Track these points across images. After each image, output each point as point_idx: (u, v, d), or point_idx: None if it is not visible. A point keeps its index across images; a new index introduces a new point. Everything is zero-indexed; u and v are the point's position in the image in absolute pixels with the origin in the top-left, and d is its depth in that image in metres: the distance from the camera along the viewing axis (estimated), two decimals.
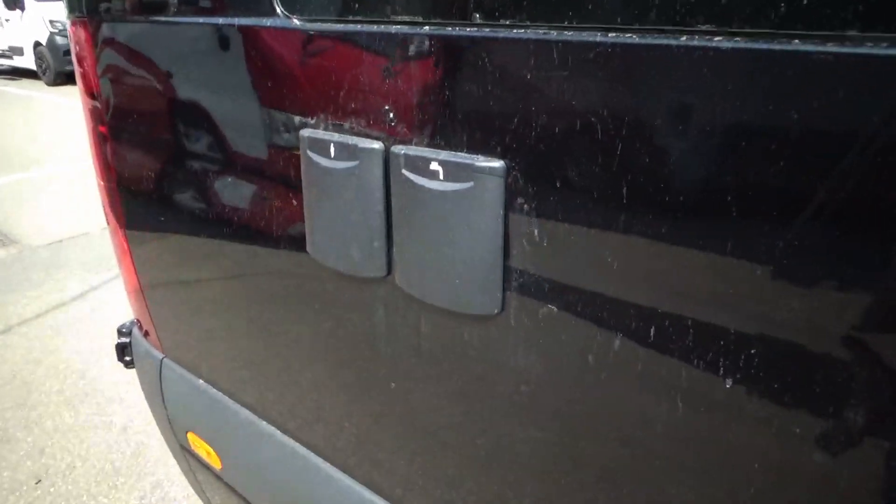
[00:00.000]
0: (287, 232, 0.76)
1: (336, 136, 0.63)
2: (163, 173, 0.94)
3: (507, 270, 0.55)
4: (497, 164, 0.52)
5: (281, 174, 0.73)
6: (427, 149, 0.57)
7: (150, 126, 0.92)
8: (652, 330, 0.48)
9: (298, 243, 0.73)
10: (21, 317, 2.91)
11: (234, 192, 0.82)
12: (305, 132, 0.66)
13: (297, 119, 0.68)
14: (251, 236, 0.82)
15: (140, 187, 0.99)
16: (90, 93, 1.02)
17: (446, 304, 0.59)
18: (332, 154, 0.64)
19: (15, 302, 3.04)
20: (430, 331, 0.63)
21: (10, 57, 10.76)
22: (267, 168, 0.75)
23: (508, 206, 0.53)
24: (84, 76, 1.01)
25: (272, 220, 0.77)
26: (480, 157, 0.53)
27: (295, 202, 0.72)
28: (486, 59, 0.50)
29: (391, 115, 0.59)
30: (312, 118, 0.66)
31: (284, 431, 0.90)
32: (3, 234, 3.89)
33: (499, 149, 0.52)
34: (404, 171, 0.58)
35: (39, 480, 1.94)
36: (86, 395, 2.35)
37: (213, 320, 0.97)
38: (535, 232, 0.52)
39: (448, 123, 0.55)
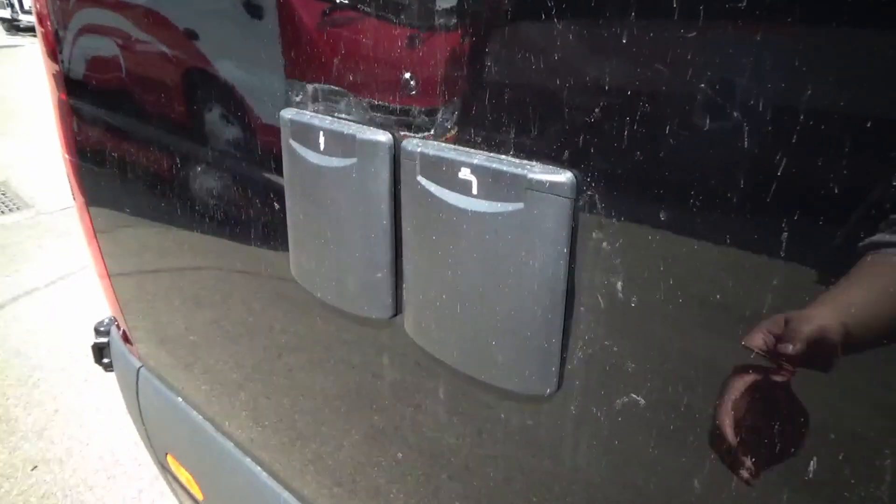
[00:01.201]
0: (270, 242, 0.58)
1: (327, 121, 0.45)
2: (130, 149, 0.77)
3: (569, 335, 0.37)
4: (563, 177, 0.33)
5: (261, 165, 0.55)
6: (454, 147, 0.38)
7: (117, 94, 0.75)
8: (812, 463, 0.29)
9: (282, 259, 0.56)
10: (30, 286, 2.81)
11: (209, 182, 0.64)
12: (287, 112, 0.48)
13: (277, 93, 0.49)
14: (230, 240, 0.64)
15: (106, 163, 0.82)
16: (52, 55, 0.85)
17: (476, 371, 0.41)
18: (322, 146, 0.45)
19: (25, 270, 2.94)
20: (452, 402, 0.45)
21: None
22: (242, 154, 0.57)
23: (578, 241, 0.34)
24: (45, 36, 0.85)
25: (254, 225, 0.59)
26: (537, 166, 0.34)
27: (277, 206, 0.55)
28: (553, 8, 0.31)
29: (404, 91, 0.40)
30: (297, 93, 0.48)
31: (274, 477, 0.74)
32: (18, 198, 3.80)
33: (567, 153, 0.33)
34: (420, 179, 0.39)
35: (35, 466, 1.84)
36: (90, 375, 2.24)
37: (190, 332, 0.80)
38: (619, 283, 0.34)
39: (488, 109, 0.36)
